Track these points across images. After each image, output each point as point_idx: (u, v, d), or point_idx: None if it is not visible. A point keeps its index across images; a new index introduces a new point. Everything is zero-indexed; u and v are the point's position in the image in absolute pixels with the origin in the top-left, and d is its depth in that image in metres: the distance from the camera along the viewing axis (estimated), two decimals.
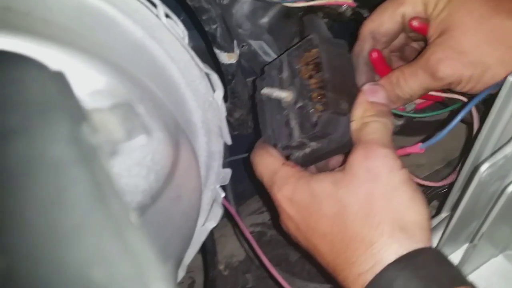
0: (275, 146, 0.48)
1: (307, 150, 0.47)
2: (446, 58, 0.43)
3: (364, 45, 0.50)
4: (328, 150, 0.46)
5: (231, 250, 0.81)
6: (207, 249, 0.64)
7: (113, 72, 0.36)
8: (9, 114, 0.18)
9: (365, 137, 0.42)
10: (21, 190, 0.15)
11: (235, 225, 0.75)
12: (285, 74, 0.48)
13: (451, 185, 0.50)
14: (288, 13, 0.56)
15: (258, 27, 0.55)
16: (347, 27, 0.58)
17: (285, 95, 0.46)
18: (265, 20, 0.54)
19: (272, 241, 0.75)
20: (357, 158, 0.41)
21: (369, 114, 0.43)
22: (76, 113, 0.18)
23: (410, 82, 0.46)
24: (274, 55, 0.58)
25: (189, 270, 0.83)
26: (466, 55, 0.42)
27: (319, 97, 0.45)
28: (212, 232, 0.66)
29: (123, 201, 0.16)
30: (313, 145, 0.47)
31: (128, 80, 0.37)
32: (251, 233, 0.79)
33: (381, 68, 0.49)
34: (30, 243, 0.14)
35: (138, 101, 0.31)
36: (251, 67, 0.61)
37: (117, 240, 0.14)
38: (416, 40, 0.52)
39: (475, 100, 0.43)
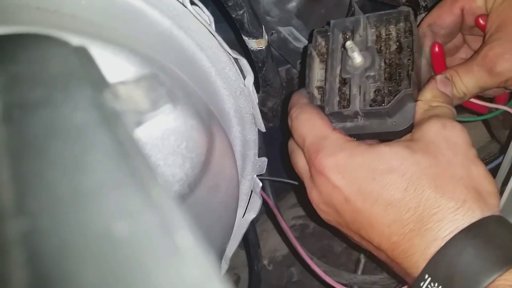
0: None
1: (352, 124, 0.45)
2: (505, 52, 0.42)
3: (425, 39, 0.50)
4: (374, 131, 0.44)
5: (274, 245, 0.80)
6: (250, 242, 0.63)
7: (142, 62, 0.36)
8: (34, 89, 0.18)
9: (436, 114, 0.41)
10: (43, 155, 0.15)
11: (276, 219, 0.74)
12: (359, 37, 0.46)
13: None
14: None
15: (286, 12, 0.54)
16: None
17: (359, 59, 0.44)
18: (293, 4, 0.53)
19: (316, 232, 0.74)
20: (433, 126, 0.40)
21: (438, 100, 0.43)
22: (98, 81, 0.18)
23: (465, 80, 0.45)
24: (304, 41, 0.57)
25: (233, 266, 0.83)
26: None
27: (397, 75, 0.44)
28: (253, 225, 0.66)
29: (146, 158, 0.15)
30: (363, 121, 0.44)
31: (157, 69, 0.37)
32: (293, 226, 0.78)
33: (439, 64, 0.49)
34: (52, 204, 0.14)
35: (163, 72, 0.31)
36: (282, 55, 0.60)
37: (140, 194, 0.14)
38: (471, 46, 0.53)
39: None
